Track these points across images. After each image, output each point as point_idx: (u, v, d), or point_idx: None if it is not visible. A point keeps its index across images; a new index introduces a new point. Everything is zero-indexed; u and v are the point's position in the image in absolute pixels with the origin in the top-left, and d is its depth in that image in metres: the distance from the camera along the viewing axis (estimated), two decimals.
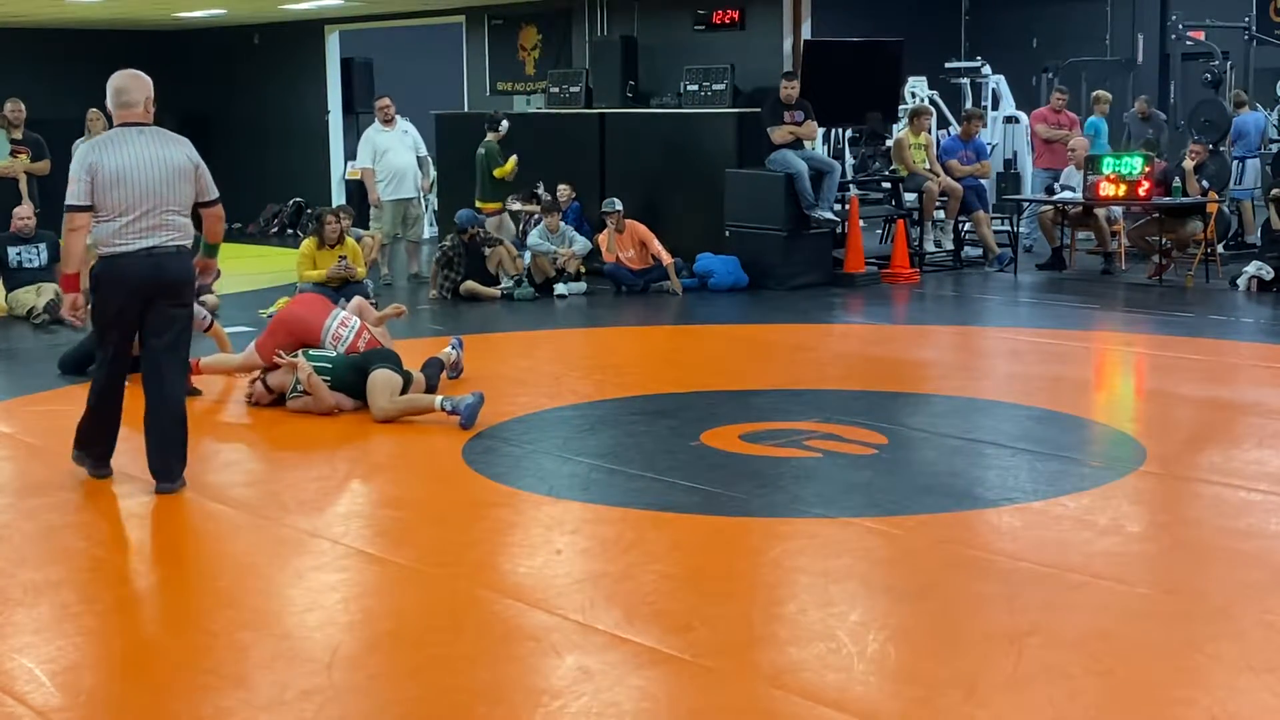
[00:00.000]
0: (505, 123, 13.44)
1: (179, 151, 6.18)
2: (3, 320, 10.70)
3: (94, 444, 6.39)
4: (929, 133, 14.22)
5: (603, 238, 12.63)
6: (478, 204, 13.27)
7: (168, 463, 6.22)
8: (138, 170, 6.02)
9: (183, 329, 6.31)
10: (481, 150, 13.40)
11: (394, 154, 13.70)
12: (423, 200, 14.19)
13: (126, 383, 6.40)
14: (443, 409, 7.48)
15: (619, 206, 12.42)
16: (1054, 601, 4.69)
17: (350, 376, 7.73)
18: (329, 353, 7.98)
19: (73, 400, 7.01)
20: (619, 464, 6.61)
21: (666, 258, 12.33)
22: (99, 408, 6.31)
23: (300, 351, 7.88)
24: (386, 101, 13.85)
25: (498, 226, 13.28)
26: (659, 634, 4.41)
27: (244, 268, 13.97)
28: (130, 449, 7.02)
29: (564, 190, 13.49)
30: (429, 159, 13.90)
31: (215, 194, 6.35)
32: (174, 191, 6.09)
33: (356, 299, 9.07)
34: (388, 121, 13.79)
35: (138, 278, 6.07)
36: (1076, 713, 3.84)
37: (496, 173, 13.25)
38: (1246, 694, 3.93)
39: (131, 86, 6.16)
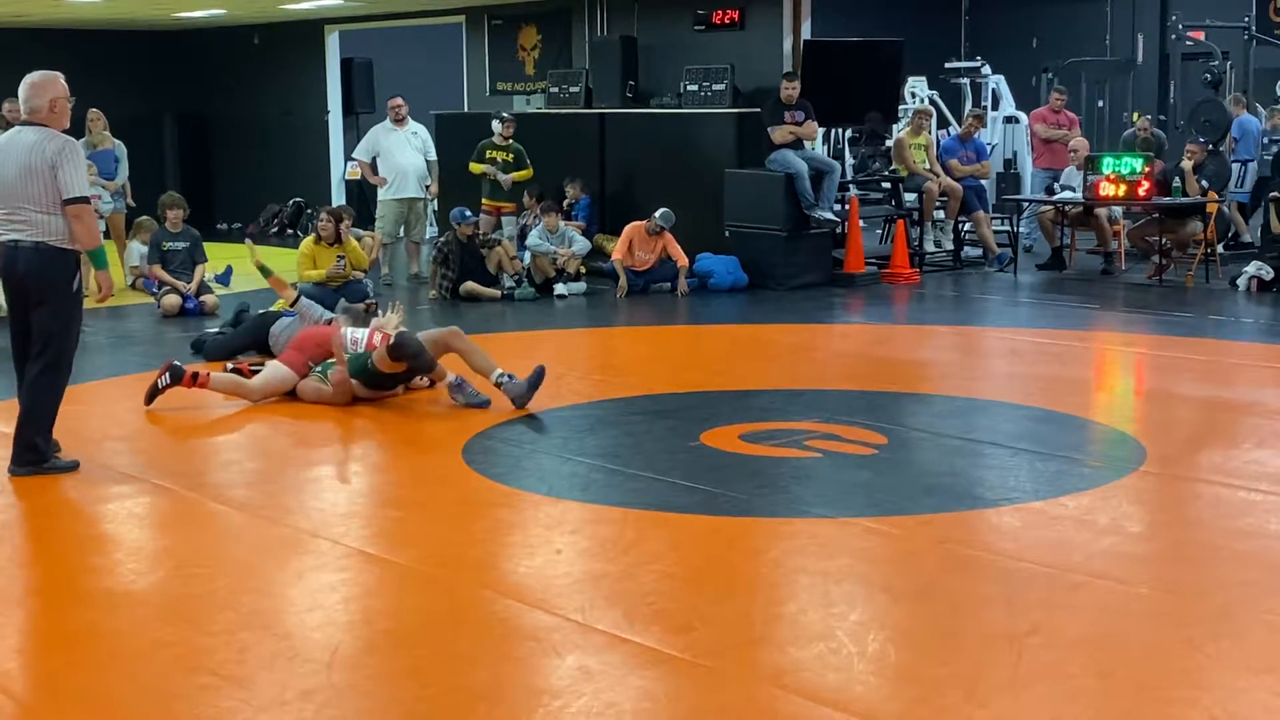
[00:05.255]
0: (495, 124, 13.54)
1: (42, 150, 6.24)
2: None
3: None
4: (929, 133, 14.23)
5: (624, 236, 12.50)
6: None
7: (14, 448, 6.48)
8: (4, 167, 6.28)
9: (48, 335, 6.35)
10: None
11: (398, 154, 13.72)
12: (428, 202, 14.19)
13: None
14: (497, 383, 7.71)
15: (672, 222, 12.33)
16: (1054, 601, 4.69)
17: (369, 366, 7.76)
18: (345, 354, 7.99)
19: (71, 400, 7.00)
20: (619, 464, 6.60)
21: (683, 259, 12.33)
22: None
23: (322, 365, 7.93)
24: (399, 101, 13.91)
25: (494, 226, 13.37)
26: (659, 634, 4.40)
27: (245, 268, 13.92)
28: (129, 449, 7.04)
29: (571, 189, 13.55)
30: (437, 162, 13.93)
31: (73, 193, 6.23)
32: (27, 188, 6.23)
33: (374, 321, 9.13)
34: (399, 121, 13.83)
35: (1, 269, 6.40)
36: (1076, 713, 3.84)
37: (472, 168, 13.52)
38: (1246, 694, 3.93)
39: (37, 92, 6.34)
